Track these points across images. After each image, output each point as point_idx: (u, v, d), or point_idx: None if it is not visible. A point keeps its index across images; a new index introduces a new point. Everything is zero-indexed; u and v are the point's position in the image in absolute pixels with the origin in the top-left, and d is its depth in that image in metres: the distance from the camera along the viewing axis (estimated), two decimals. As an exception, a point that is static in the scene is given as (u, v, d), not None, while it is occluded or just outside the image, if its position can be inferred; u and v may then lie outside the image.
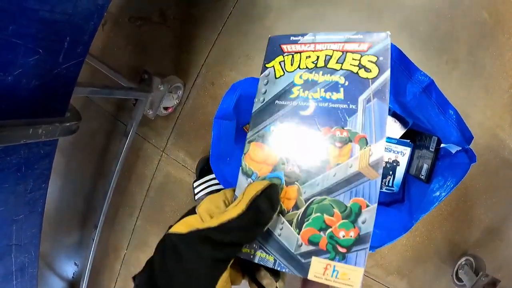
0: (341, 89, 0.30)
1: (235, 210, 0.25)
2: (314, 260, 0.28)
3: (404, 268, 1.01)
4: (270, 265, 0.29)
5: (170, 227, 0.28)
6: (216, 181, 1.04)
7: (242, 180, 0.32)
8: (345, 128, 0.30)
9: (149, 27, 1.12)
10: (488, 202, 0.95)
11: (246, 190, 0.27)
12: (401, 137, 0.88)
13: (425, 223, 0.97)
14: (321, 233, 0.28)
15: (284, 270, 0.29)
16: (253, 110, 0.33)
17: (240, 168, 0.32)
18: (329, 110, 0.30)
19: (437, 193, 0.76)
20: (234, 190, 0.32)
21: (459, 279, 0.93)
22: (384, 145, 0.29)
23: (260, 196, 0.26)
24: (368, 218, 0.28)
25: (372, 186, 0.28)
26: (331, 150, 0.30)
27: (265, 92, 0.33)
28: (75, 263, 1.43)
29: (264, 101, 0.33)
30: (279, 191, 0.29)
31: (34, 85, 0.53)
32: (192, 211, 0.30)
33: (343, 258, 0.28)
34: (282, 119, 0.32)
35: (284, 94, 0.32)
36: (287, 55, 0.33)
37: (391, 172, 0.88)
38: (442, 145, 0.78)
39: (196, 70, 1.07)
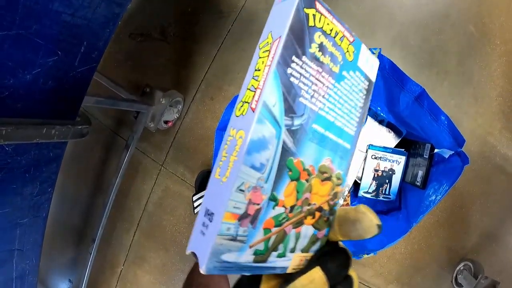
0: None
1: None
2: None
3: (404, 276, 1.01)
4: None
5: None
6: None
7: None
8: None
9: (149, 43, 1.15)
10: (483, 207, 0.97)
11: None
12: (395, 147, 0.90)
13: (422, 230, 0.99)
14: None
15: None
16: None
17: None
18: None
19: (433, 197, 0.78)
20: None
21: (458, 284, 0.94)
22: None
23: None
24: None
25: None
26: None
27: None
28: (69, 279, 1.40)
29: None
30: None
31: (49, 86, 0.55)
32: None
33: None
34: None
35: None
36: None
37: (387, 181, 0.90)
38: (436, 150, 0.81)
39: (195, 85, 1.10)
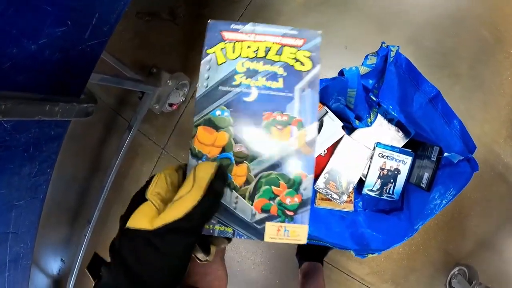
0: (280, 79, 0.34)
1: (194, 196, 0.27)
2: (268, 224, 0.33)
3: (399, 276, 1.02)
4: (230, 236, 0.33)
5: (123, 219, 0.29)
6: None
7: (192, 163, 0.33)
8: (284, 113, 0.34)
9: (157, 23, 1.12)
10: (482, 214, 0.98)
11: (197, 173, 0.29)
12: (403, 147, 0.90)
13: (421, 232, 0.99)
14: (271, 201, 0.33)
15: (243, 238, 0.33)
16: (197, 95, 0.34)
17: (189, 151, 0.33)
18: (270, 97, 0.34)
19: (438, 201, 0.78)
20: (175, 170, 0.33)
21: (452, 288, 0.96)
22: (316, 127, 0.34)
23: (215, 179, 0.28)
24: (307, 186, 0.34)
25: (309, 161, 0.34)
26: (273, 131, 0.34)
27: (208, 78, 0.34)
28: (61, 259, 1.38)
29: (208, 87, 0.34)
30: (225, 171, 0.33)
31: (56, 58, 0.50)
32: (139, 197, 0.31)
33: (291, 219, 0.33)
34: (227, 104, 0.34)
35: (227, 80, 0.34)
36: (229, 43, 0.35)
37: (392, 180, 0.89)
38: (445, 154, 0.80)
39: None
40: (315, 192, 0.94)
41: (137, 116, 0.93)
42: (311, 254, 1.03)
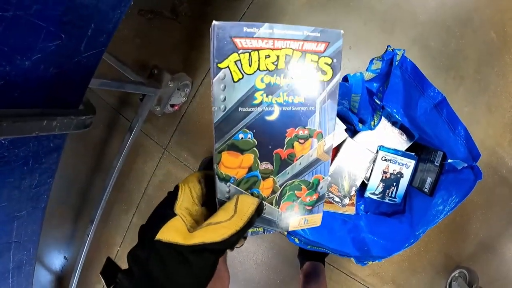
0: (302, 93, 0.33)
1: (234, 225, 0.29)
2: (292, 219, 0.38)
3: (400, 278, 1.03)
4: (261, 234, 0.38)
5: (145, 230, 0.31)
6: None
7: (221, 186, 0.33)
8: (306, 128, 0.34)
9: (159, 21, 1.10)
10: (484, 217, 0.98)
11: (239, 205, 0.31)
12: (406, 150, 0.89)
13: (423, 234, 0.99)
14: (294, 203, 0.37)
15: (271, 232, 0.38)
16: (215, 120, 0.31)
17: (216, 176, 0.33)
18: (292, 113, 0.33)
19: (441, 207, 0.77)
20: (198, 181, 0.35)
21: (452, 291, 0.96)
22: (333, 136, 0.36)
23: (254, 214, 0.30)
24: (324, 185, 0.38)
25: (326, 165, 0.37)
26: (296, 146, 0.35)
27: (224, 99, 0.30)
28: (65, 256, 1.40)
29: (226, 109, 0.31)
30: (263, 205, 0.35)
31: (52, 73, 0.49)
32: (162, 210, 0.33)
33: (310, 212, 0.38)
34: (249, 127, 0.32)
35: (246, 100, 0.31)
36: (243, 53, 0.30)
37: (394, 184, 0.89)
38: (448, 160, 0.79)
39: (205, 69, 1.06)
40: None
41: (138, 118, 0.92)
42: (312, 254, 1.03)
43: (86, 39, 0.51)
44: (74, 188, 1.32)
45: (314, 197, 0.38)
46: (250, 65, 0.30)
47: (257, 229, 0.38)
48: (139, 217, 1.22)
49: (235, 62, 0.30)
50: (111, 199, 1.18)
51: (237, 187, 0.34)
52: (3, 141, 0.48)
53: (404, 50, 0.76)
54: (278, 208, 0.36)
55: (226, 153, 0.33)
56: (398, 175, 0.89)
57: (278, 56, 0.31)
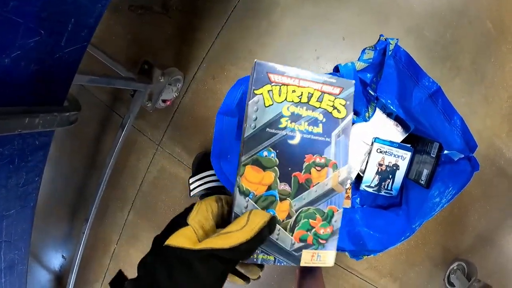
0: (320, 125, 0.38)
1: (243, 235, 0.30)
2: (304, 252, 0.38)
3: (397, 271, 1.02)
4: (271, 263, 0.37)
5: (158, 240, 0.32)
6: (213, 178, 1.02)
7: (240, 200, 0.36)
8: (322, 156, 0.39)
9: (150, 16, 1.09)
10: (482, 209, 0.96)
11: (251, 217, 0.32)
12: (402, 141, 0.88)
13: (420, 227, 0.98)
14: (308, 232, 0.38)
15: (282, 264, 0.38)
16: (245, 135, 0.37)
17: (237, 188, 0.36)
18: (311, 141, 0.38)
19: (437, 199, 0.76)
20: (221, 200, 0.36)
21: (451, 284, 0.95)
22: (347, 170, 0.39)
23: (265, 227, 0.31)
24: (338, 218, 0.39)
25: (340, 197, 0.39)
26: (313, 172, 0.38)
27: (255, 119, 0.37)
28: (62, 255, 1.39)
29: (256, 128, 0.37)
30: (276, 221, 0.37)
31: (32, 69, 0.49)
32: (177, 222, 0.33)
33: (323, 247, 0.39)
34: (273, 146, 0.37)
35: (273, 123, 0.37)
36: (275, 85, 0.38)
37: (390, 176, 0.88)
38: (445, 151, 0.78)
39: (197, 63, 1.04)
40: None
41: (130, 114, 0.91)
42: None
43: (67, 34, 0.50)
44: (70, 186, 1.32)
45: (328, 230, 0.39)
46: (279, 95, 0.38)
47: (268, 256, 0.37)
48: (134, 214, 1.21)
49: (268, 91, 0.37)
50: (106, 196, 1.17)
51: (255, 204, 0.36)
52: (-14, 141, 0.47)
53: (397, 39, 0.74)
54: (292, 235, 0.38)
55: (250, 167, 0.36)
56: (394, 167, 0.87)
57: (302, 92, 0.38)
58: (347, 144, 0.39)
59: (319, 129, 0.38)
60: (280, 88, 0.37)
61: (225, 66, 1.03)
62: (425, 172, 0.82)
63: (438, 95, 0.74)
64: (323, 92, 0.38)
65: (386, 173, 0.88)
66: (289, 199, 0.38)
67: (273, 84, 0.37)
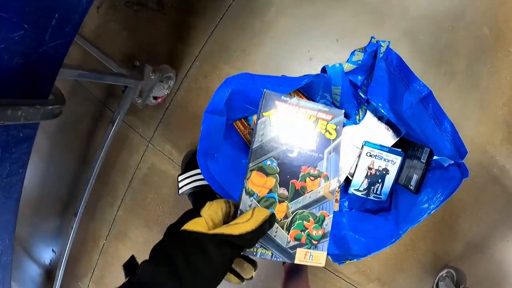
0: (314, 143, 0.47)
1: (249, 225, 0.35)
2: (299, 250, 0.43)
3: (386, 276, 1.01)
4: (269, 258, 0.42)
5: (175, 227, 0.38)
6: (201, 177, 1.01)
7: (245, 199, 0.43)
8: (316, 168, 0.46)
9: (145, 13, 1.08)
10: (473, 217, 0.95)
11: (255, 212, 0.38)
12: (393, 146, 0.87)
13: (409, 233, 0.97)
14: (302, 232, 0.44)
15: (278, 260, 0.43)
16: (253, 146, 0.45)
17: (244, 189, 0.43)
18: (307, 156, 0.46)
19: (426, 205, 0.75)
20: (229, 202, 0.41)
21: (439, 291, 0.94)
22: (336, 182, 0.47)
23: (266, 221, 0.37)
24: (328, 222, 0.46)
25: (330, 204, 0.46)
26: (308, 181, 0.46)
27: (262, 134, 0.45)
28: (53, 249, 1.39)
29: (262, 141, 0.45)
30: (275, 218, 0.42)
31: (16, 63, 0.49)
32: (190, 214, 0.38)
33: (315, 247, 0.44)
34: (275, 157, 0.45)
35: (276, 138, 0.46)
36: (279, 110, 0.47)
37: (380, 180, 0.87)
38: (434, 157, 0.77)
39: (189, 61, 1.04)
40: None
41: (120, 110, 0.90)
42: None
43: (51, 29, 0.50)
44: (62, 181, 1.31)
45: (320, 232, 0.44)
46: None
47: (266, 251, 0.42)
48: (124, 210, 1.21)
49: (273, 114, 0.46)
50: (96, 191, 1.16)
51: (258, 204, 0.43)
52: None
53: (389, 42, 0.73)
54: (288, 234, 0.43)
55: (255, 172, 0.44)
56: (384, 172, 0.86)
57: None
58: (337, 160, 0.47)
59: (313, 147, 0.46)
60: (283, 113, 0.47)
61: (218, 65, 1.03)
62: (415, 177, 0.81)
63: (429, 100, 0.73)
64: (318, 118, 0.48)
65: (376, 177, 0.87)
66: (286, 201, 0.44)
67: (278, 109, 0.47)
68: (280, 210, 0.44)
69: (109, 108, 1.17)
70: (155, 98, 0.99)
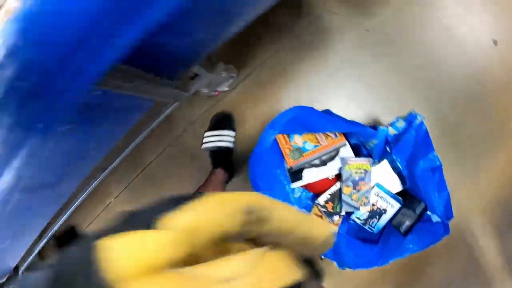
0: None
1: None
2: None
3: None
4: None
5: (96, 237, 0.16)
6: (225, 138, 1.13)
7: None
8: None
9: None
10: (441, 265, 1.13)
11: None
12: (396, 193, 1.05)
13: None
14: None
15: None
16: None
17: None
18: None
19: (410, 246, 0.94)
20: None
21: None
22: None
23: None
24: None
25: None
26: None
27: None
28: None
29: None
30: None
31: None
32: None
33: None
34: None
35: None
36: None
37: (377, 216, 1.05)
38: (428, 212, 0.97)
39: (251, 67, 1.16)
40: (312, 206, 1.08)
41: (184, 94, 0.99)
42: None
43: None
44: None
45: None
46: None
47: None
48: (142, 179, 1.28)
49: None
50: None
51: None
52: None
53: (423, 117, 0.93)
54: None
55: None
56: (383, 211, 1.04)
57: None
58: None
59: None
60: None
61: (272, 79, 1.16)
62: (407, 223, 1.00)
63: (437, 171, 0.93)
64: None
65: (375, 213, 1.05)
66: None
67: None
68: None
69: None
70: (215, 90, 1.11)
